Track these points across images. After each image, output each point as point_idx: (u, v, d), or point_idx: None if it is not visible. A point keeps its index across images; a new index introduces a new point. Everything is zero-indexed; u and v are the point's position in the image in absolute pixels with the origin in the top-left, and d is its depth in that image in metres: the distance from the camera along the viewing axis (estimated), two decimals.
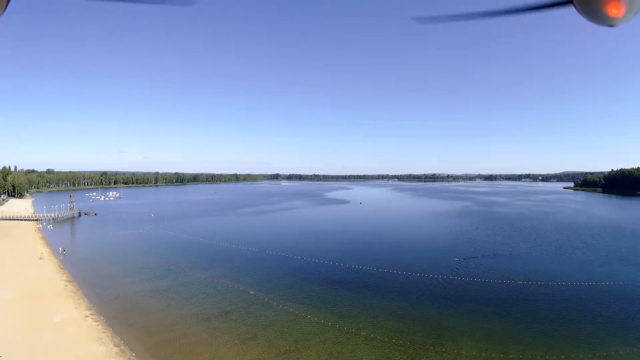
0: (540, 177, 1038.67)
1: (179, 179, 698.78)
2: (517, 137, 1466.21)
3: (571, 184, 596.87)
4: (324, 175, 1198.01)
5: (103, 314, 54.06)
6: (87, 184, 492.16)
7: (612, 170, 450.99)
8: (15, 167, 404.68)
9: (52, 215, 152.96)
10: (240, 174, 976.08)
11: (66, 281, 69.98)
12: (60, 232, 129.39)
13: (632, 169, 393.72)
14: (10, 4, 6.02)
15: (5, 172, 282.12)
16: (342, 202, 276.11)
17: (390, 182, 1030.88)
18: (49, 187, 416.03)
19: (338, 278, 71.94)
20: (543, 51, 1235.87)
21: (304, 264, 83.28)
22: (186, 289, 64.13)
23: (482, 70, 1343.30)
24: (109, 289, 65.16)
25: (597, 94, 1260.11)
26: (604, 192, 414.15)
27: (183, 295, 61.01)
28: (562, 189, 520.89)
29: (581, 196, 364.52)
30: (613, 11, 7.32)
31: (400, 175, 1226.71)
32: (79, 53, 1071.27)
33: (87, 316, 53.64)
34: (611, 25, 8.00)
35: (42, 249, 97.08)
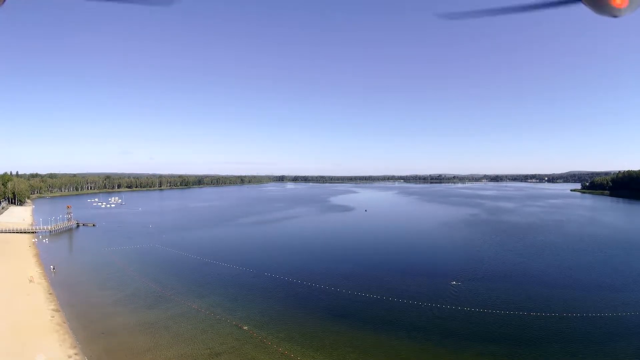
0: (546, 178, 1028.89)
1: (184, 182, 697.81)
2: (523, 137, 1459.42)
3: (578, 186, 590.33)
4: (329, 177, 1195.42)
5: (87, 353, 50.92)
6: (91, 188, 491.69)
7: (619, 172, 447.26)
8: (17, 172, 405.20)
9: (49, 227, 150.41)
10: (245, 176, 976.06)
11: (53, 311, 67.02)
12: (55, 247, 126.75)
13: None
14: None
15: (6, 178, 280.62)
16: (347, 209, 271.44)
17: (396, 183, 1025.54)
18: (51, 191, 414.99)
19: (338, 309, 67.76)
20: (545, 49, 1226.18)
21: (302, 290, 79.09)
22: (176, 323, 60.32)
23: (486, 70, 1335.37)
24: (96, 322, 61.84)
25: (601, 92, 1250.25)
26: (611, 194, 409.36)
27: (172, 332, 57.23)
28: (569, 191, 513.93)
29: (589, 200, 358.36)
30: (617, 1, 7.77)
31: (406, 176, 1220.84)
32: (84, 54, 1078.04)
33: (70, 357, 50.43)
34: (615, 16, 8.23)
35: (33, 269, 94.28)
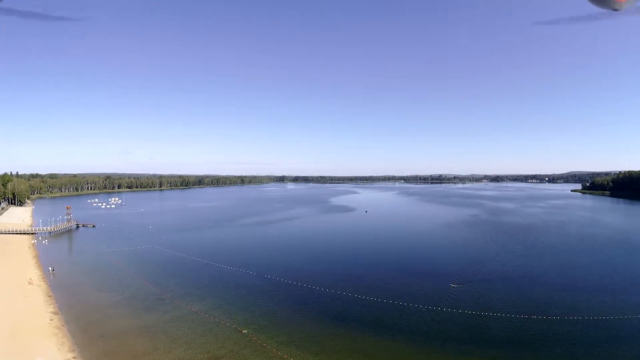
0: (546, 178, 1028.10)
1: (184, 183, 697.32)
2: (523, 137, 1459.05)
3: (579, 186, 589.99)
4: (330, 177, 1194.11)
5: (86, 357, 50.69)
6: (91, 189, 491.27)
7: (620, 172, 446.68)
8: (17, 172, 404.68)
9: (49, 228, 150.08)
10: (245, 176, 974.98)
11: (52, 313, 66.78)
12: (54, 248, 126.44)
13: None
14: None
15: (7, 178, 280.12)
16: (348, 209, 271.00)
17: (397, 184, 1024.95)
18: (51, 192, 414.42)
19: (338, 312, 67.33)
20: (545, 49, 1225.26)
21: (302, 292, 78.65)
22: (175, 327, 59.90)
23: (486, 70, 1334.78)
24: (95, 325, 61.46)
25: (601, 92, 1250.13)
26: (612, 195, 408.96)
27: (171, 335, 56.80)
28: (570, 192, 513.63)
29: (590, 201, 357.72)
30: None
31: (407, 176, 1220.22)
32: (84, 54, 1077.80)
33: None
34: (615, 9, 8.11)
35: (33, 270, 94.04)
